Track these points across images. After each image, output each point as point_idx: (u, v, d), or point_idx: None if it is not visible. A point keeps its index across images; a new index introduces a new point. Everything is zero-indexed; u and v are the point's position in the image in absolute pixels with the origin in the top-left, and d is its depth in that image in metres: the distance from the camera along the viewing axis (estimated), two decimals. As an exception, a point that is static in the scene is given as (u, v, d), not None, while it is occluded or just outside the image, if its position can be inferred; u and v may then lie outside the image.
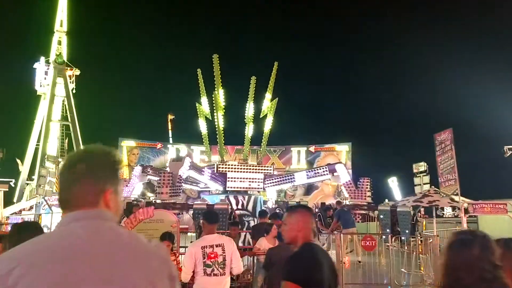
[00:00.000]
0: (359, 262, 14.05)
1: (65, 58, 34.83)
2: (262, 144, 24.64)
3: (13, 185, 31.66)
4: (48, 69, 34.51)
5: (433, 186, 16.32)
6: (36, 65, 34.54)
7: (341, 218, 15.32)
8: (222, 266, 5.57)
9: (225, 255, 5.63)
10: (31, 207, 25.16)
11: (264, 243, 8.44)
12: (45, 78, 34.51)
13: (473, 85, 44.69)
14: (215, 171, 20.49)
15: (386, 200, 21.55)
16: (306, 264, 3.04)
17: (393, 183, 29.13)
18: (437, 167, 13.14)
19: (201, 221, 6.09)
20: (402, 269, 12.00)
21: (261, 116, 23.77)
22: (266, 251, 7.59)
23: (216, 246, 5.62)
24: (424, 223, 18.48)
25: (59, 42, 35.31)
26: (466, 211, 12.68)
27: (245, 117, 23.41)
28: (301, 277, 2.93)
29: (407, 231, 15.19)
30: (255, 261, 8.83)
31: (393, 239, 14.59)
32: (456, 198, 12.39)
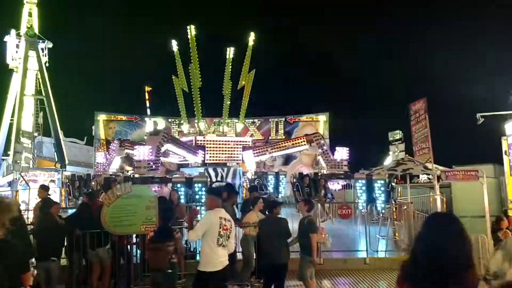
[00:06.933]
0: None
1: (36, 30, 33.76)
2: (240, 115, 24.68)
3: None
4: (19, 42, 33.48)
5: (407, 155, 16.66)
6: (6, 38, 33.46)
7: None
8: (226, 239, 5.79)
9: (230, 231, 5.87)
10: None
11: (253, 217, 8.68)
12: (16, 52, 33.44)
13: (447, 54, 45.25)
14: (194, 144, 20.51)
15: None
16: None
17: None
18: (412, 136, 13.40)
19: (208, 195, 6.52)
20: (378, 235, 12.35)
21: (238, 88, 23.71)
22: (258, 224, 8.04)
23: (227, 220, 5.86)
24: (399, 189, 18.85)
25: (30, 14, 34.08)
26: (439, 178, 13.02)
27: (223, 88, 23.32)
28: None
29: (382, 199, 15.62)
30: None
31: (368, 207, 14.99)
32: (430, 165, 12.70)
